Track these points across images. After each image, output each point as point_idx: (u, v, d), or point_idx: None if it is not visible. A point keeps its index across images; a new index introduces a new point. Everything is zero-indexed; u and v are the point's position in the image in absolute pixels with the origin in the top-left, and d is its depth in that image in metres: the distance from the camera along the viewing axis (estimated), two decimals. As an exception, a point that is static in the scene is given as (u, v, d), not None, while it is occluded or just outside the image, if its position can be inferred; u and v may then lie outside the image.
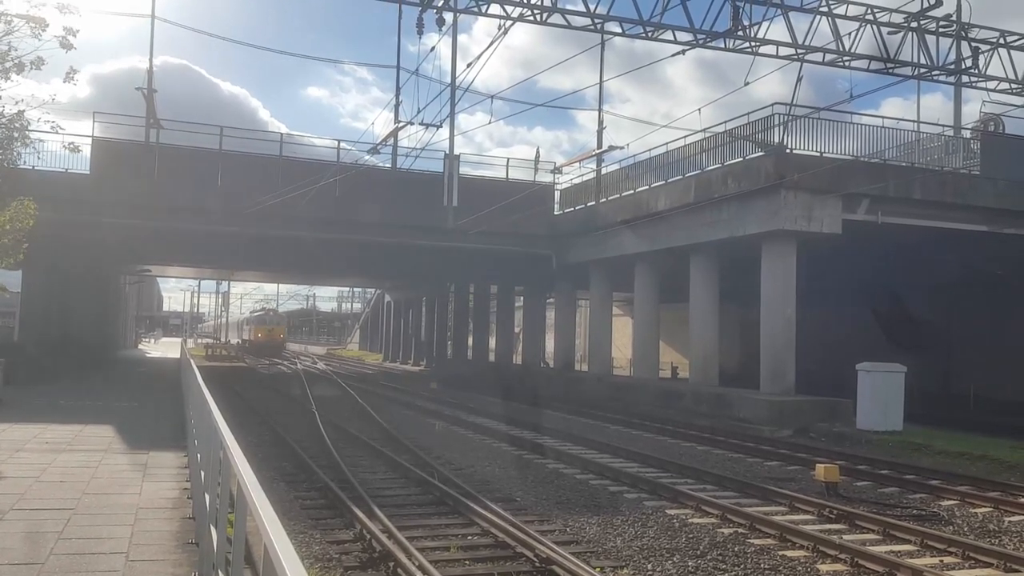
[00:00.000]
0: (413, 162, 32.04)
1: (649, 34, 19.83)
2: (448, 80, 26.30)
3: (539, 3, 18.84)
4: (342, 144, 31.55)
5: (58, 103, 16.05)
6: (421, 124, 22.60)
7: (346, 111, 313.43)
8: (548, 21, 19.45)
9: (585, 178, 33.63)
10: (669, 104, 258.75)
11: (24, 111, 16.05)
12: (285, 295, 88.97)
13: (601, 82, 34.02)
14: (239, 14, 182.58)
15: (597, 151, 32.88)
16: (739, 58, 21.44)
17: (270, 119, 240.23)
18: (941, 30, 21.56)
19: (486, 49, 28.65)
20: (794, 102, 22.34)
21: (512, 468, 14.17)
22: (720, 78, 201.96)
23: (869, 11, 20.86)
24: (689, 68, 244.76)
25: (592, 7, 19.19)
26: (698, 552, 8.92)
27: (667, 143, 28.00)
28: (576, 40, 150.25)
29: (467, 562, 8.29)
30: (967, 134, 26.64)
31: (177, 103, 47.72)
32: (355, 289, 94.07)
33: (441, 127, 23.29)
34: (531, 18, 19.18)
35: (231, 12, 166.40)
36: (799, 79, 21.57)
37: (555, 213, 33.74)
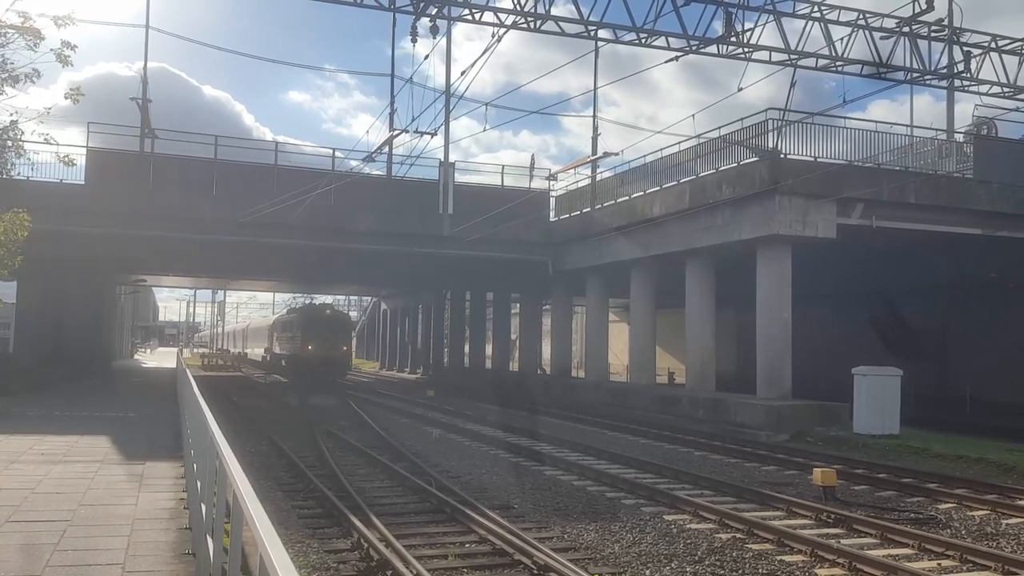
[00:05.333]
0: (408, 170, 31.97)
1: (643, 41, 19.86)
2: (435, 87, 26.30)
3: (532, 11, 18.85)
4: (337, 153, 31.63)
5: (37, 110, 15.75)
6: (416, 132, 22.57)
7: (329, 116, 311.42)
8: (542, 29, 19.47)
9: (580, 184, 33.69)
10: (655, 107, 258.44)
11: (17, 121, 15.99)
12: (280, 304, 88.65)
13: (596, 88, 34.21)
14: (218, 17, 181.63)
15: (592, 157, 32.90)
16: (725, 61, 21.49)
17: (254, 124, 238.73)
18: (933, 35, 21.66)
19: (480, 56, 28.72)
20: (787, 107, 22.45)
21: (509, 475, 14.15)
22: (706, 80, 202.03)
23: (861, 16, 20.92)
24: (675, 71, 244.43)
25: (585, 14, 19.23)
26: (696, 557, 8.93)
27: (660, 149, 28.03)
28: (561, 44, 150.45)
29: (465, 570, 8.28)
30: (960, 138, 26.74)
31: (160, 108, 47.30)
32: (351, 297, 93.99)
33: (436, 135, 23.28)
34: (524, 26, 19.19)
35: (210, 15, 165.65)
36: (792, 84, 21.64)
37: (550, 220, 33.76)
